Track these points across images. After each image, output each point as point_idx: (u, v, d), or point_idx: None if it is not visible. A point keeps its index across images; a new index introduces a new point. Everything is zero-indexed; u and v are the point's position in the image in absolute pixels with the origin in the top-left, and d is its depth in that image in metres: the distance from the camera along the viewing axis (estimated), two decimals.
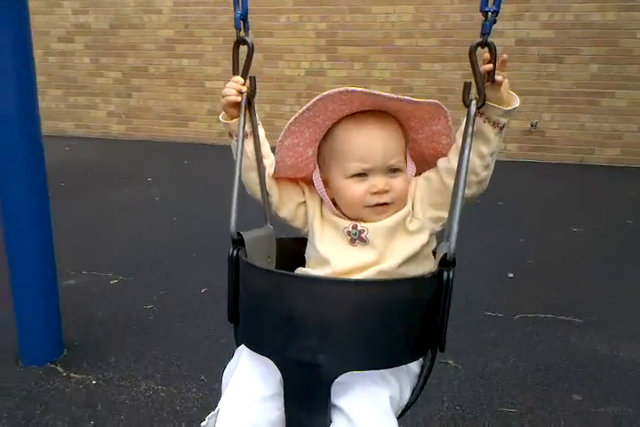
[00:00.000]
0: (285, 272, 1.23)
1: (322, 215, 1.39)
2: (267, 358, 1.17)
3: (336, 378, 1.11)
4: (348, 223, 1.33)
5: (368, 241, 1.31)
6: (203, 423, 1.31)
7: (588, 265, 3.95)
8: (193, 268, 3.76)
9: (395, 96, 1.23)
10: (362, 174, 1.29)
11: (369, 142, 1.28)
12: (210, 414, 1.27)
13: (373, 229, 1.31)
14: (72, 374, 2.49)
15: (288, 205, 1.43)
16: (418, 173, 1.38)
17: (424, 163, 1.39)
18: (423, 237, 1.32)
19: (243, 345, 1.28)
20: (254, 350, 1.21)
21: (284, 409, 1.18)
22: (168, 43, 8.87)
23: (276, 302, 1.14)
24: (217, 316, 3.06)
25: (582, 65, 7.37)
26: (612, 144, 7.41)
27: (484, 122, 1.25)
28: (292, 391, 1.15)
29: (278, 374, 1.16)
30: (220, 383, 2.37)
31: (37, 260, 2.56)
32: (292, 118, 1.28)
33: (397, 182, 1.30)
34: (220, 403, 1.23)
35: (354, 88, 1.22)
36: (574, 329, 2.99)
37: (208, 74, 8.79)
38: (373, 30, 8.07)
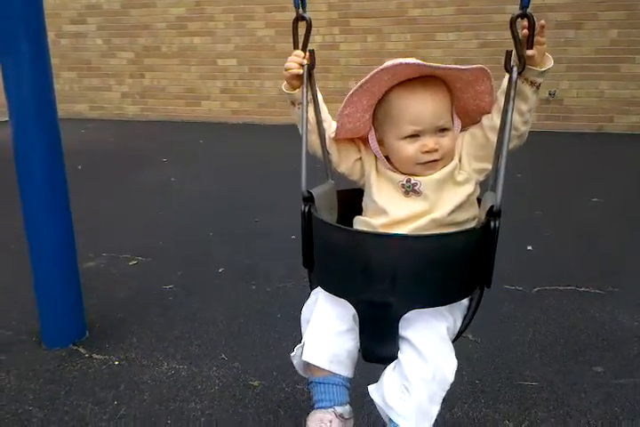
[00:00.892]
0: (360, 230, 1.48)
1: (377, 170, 1.56)
2: (340, 299, 1.39)
3: (403, 315, 1.32)
4: (402, 177, 1.50)
5: (421, 193, 1.48)
6: (292, 354, 1.50)
7: (609, 236, 3.90)
8: (210, 247, 3.78)
9: (443, 66, 1.38)
10: (414, 135, 1.45)
11: (420, 107, 1.43)
12: (297, 346, 1.48)
13: (425, 182, 1.48)
14: (95, 356, 2.53)
15: (346, 161, 1.61)
16: (462, 127, 1.54)
17: (466, 116, 1.54)
18: (469, 188, 1.49)
19: (318, 288, 1.49)
20: (332, 293, 1.42)
21: (358, 340, 1.41)
22: (179, 21, 8.81)
23: (352, 255, 1.32)
24: (235, 295, 3.09)
25: (601, 30, 7.19)
26: (633, 111, 7.26)
27: (522, 82, 1.39)
28: (366, 326, 1.37)
29: (351, 311, 1.38)
30: (241, 363, 2.41)
31: (57, 243, 2.58)
32: (351, 90, 1.43)
33: (446, 140, 1.46)
34: (304, 337, 1.46)
35: (408, 60, 1.38)
36: (594, 301, 2.96)
37: (220, 51, 8.73)
38: (386, 1, 7.93)
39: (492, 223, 1.28)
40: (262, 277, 3.27)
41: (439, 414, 2.08)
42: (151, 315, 2.89)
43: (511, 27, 1.26)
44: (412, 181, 1.48)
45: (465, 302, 1.47)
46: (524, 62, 1.32)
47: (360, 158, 1.60)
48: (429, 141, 1.44)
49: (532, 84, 1.39)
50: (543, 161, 5.93)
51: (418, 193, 1.48)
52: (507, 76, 1.35)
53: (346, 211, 1.62)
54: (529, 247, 3.67)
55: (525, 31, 1.30)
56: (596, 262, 3.45)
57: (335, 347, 1.41)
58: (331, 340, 1.42)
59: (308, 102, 1.50)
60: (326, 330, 1.43)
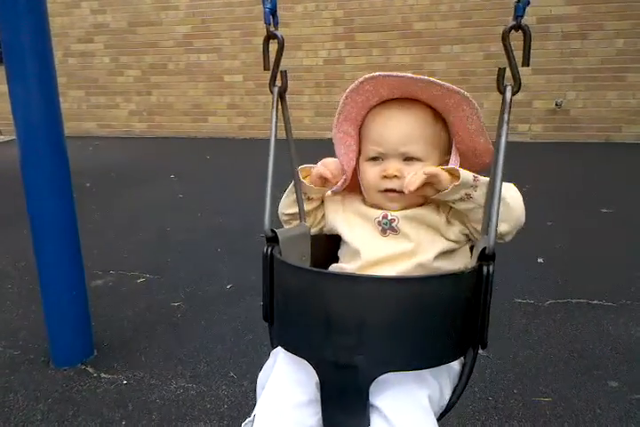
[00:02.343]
0: (320, 270, 1.23)
1: (347, 206, 1.39)
2: (303, 362, 1.14)
3: (374, 379, 1.08)
4: (378, 213, 1.32)
5: (399, 231, 1.29)
6: None
7: (621, 247, 3.86)
8: (218, 263, 3.77)
9: (409, 76, 1.24)
10: (377, 158, 1.32)
11: (384, 127, 1.30)
12: (246, 420, 1.23)
13: (403, 217, 1.29)
14: (103, 375, 2.51)
15: (312, 218, 1.43)
16: (476, 167, 1.35)
17: (473, 156, 1.36)
18: (456, 246, 1.31)
19: (278, 347, 1.26)
20: (289, 351, 1.18)
21: (321, 414, 1.14)
22: (186, 38, 8.89)
23: (312, 301, 1.11)
24: (243, 311, 3.07)
25: (607, 40, 7.20)
26: None
27: (454, 203, 1.24)
28: (329, 394, 1.11)
29: (315, 379, 1.14)
30: (250, 381, 2.38)
31: (65, 262, 2.57)
32: (335, 120, 1.34)
33: (411, 171, 1.27)
34: (255, 409, 1.20)
35: (373, 73, 1.24)
36: (608, 314, 2.92)
37: (226, 68, 8.79)
38: (391, 15, 7.98)
39: (485, 268, 1.09)
40: None
41: None
42: (159, 333, 2.87)
43: (504, 40, 1.13)
44: (390, 217, 1.30)
45: (455, 366, 1.22)
46: (519, 81, 1.14)
47: (319, 205, 1.43)
48: (390, 166, 1.28)
49: (467, 196, 1.21)
50: (551, 172, 5.90)
51: (395, 231, 1.29)
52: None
53: (326, 260, 1.41)
54: (540, 260, 3.63)
55: None
56: (607, 274, 3.41)
57: (291, 423, 1.13)
58: (287, 414, 1.14)
59: (277, 128, 1.32)
60: (282, 401, 1.16)
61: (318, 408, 1.14)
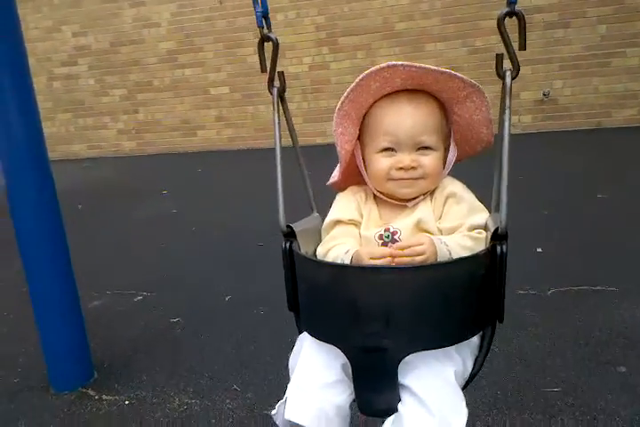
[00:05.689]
0: (345, 264, 1.24)
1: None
2: (329, 345, 1.21)
3: (401, 360, 1.14)
4: (379, 228, 1.33)
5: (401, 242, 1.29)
6: (273, 412, 1.32)
7: (618, 231, 3.82)
8: (215, 276, 3.73)
9: (433, 68, 1.23)
10: (390, 149, 1.30)
11: (398, 117, 1.29)
12: (279, 403, 1.29)
13: (405, 228, 1.30)
14: (104, 397, 2.46)
15: None
16: (462, 157, 1.42)
17: (466, 144, 1.40)
18: None
19: (304, 333, 1.32)
20: (319, 339, 1.24)
21: (349, 393, 1.22)
22: (169, 54, 8.90)
23: (338, 293, 1.16)
24: (243, 323, 3.03)
25: (590, 27, 7.20)
26: (628, 104, 7.23)
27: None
28: (360, 375, 1.18)
29: (341, 360, 1.20)
30: (254, 393, 2.34)
31: (58, 286, 2.53)
32: (338, 103, 1.30)
33: (427, 160, 1.29)
34: (287, 392, 1.26)
35: (395, 62, 1.23)
36: (611, 299, 2.88)
37: (212, 81, 8.79)
38: (372, 17, 7.98)
39: (499, 248, 1.15)
40: (270, 303, 3.21)
41: None
42: (160, 350, 2.83)
43: (499, 27, 1.14)
44: (392, 230, 1.30)
45: (475, 339, 1.28)
46: (517, 65, 1.17)
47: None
48: (405, 158, 1.28)
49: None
50: (544, 161, 5.87)
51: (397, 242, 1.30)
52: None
53: None
54: (539, 249, 3.59)
55: None
56: (607, 260, 3.37)
57: (322, 402, 1.20)
58: (316, 394, 1.21)
59: (280, 127, 1.38)
60: (311, 383, 1.22)
61: (345, 387, 1.22)
